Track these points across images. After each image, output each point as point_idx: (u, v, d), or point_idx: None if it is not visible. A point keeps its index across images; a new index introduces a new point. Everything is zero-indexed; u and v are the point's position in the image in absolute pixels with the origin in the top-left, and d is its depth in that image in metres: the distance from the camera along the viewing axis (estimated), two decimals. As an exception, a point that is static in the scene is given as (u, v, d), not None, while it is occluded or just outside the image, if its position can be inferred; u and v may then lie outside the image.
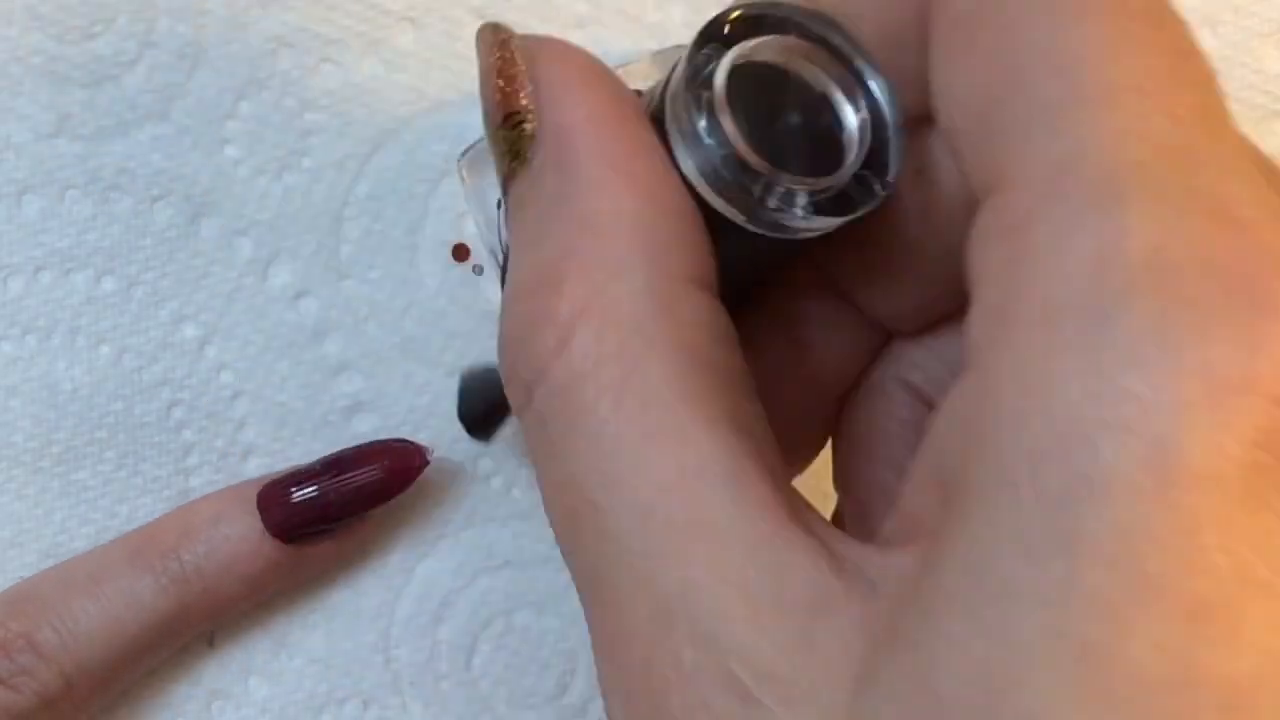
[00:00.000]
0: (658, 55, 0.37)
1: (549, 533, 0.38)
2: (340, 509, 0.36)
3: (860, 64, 0.22)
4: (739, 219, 0.22)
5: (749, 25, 0.22)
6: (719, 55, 0.22)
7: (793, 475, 0.24)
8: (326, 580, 0.38)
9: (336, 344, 0.38)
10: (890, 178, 0.22)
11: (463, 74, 0.38)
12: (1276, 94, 0.39)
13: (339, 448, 0.37)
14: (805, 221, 0.21)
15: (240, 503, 0.36)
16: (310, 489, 0.35)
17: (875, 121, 0.22)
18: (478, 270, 0.38)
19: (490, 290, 0.38)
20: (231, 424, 0.38)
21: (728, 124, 0.21)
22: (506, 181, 0.22)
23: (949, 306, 0.25)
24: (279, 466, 0.37)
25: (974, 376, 0.18)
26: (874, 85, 0.22)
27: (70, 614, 0.34)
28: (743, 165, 0.21)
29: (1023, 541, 0.16)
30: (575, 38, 0.38)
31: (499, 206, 0.36)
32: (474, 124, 0.38)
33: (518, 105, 0.22)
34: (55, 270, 0.38)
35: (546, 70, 0.22)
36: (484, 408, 0.35)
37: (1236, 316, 0.16)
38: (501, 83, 0.23)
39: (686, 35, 0.38)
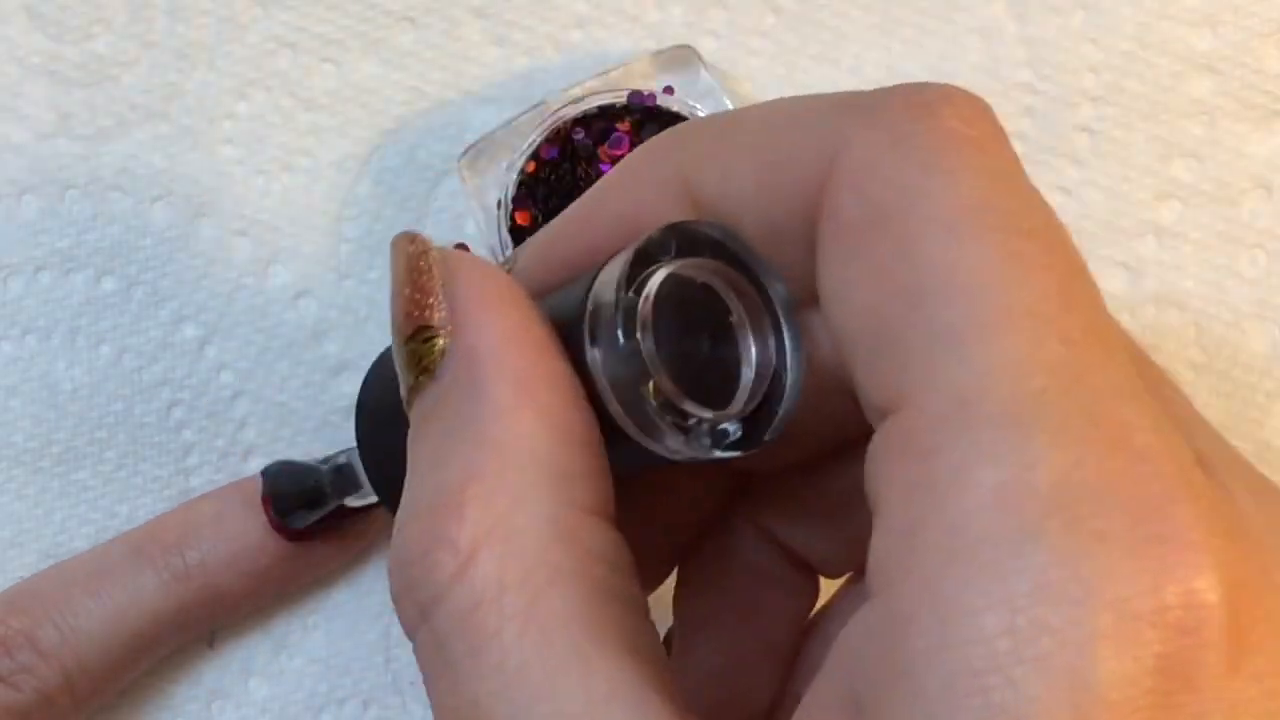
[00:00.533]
0: (658, 55, 0.37)
1: (549, 533, 0.38)
2: (343, 507, 0.36)
3: (778, 306, 0.22)
4: (634, 433, 0.22)
5: (682, 242, 0.22)
6: (645, 270, 0.22)
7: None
8: (327, 580, 0.38)
9: (336, 344, 0.38)
10: (773, 431, 0.22)
11: (463, 74, 0.38)
12: (1276, 94, 0.39)
13: (339, 448, 0.37)
14: (690, 449, 0.21)
15: (243, 500, 0.36)
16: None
17: (777, 368, 0.22)
18: (478, 270, 0.38)
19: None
20: (232, 424, 0.38)
21: (647, 345, 0.21)
22: (410, 395, 0.23)
23: (812, 457, 0.26)
24: (279, 466, 0.37)
25: (883, 605, 0.18)
26: (786, 334, 0.22)
27: (71, 611, 0.34)
28: (650, 387, 0.21)
29: None
30: (575, 38, 0.38)
31: (499, 207, 0.36)
32: (474, 123, 0.38)
33: (430, 320, 0.22)
34: (55, 270, 0.38)
35: (463, 288, 0.22)
36: (297, 500, 0.35)
37: (1142, 547, 0.17)
38: (416, 295, 0.23)
39: (686, 35, 0.38)
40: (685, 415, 0.21)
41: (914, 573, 0.18)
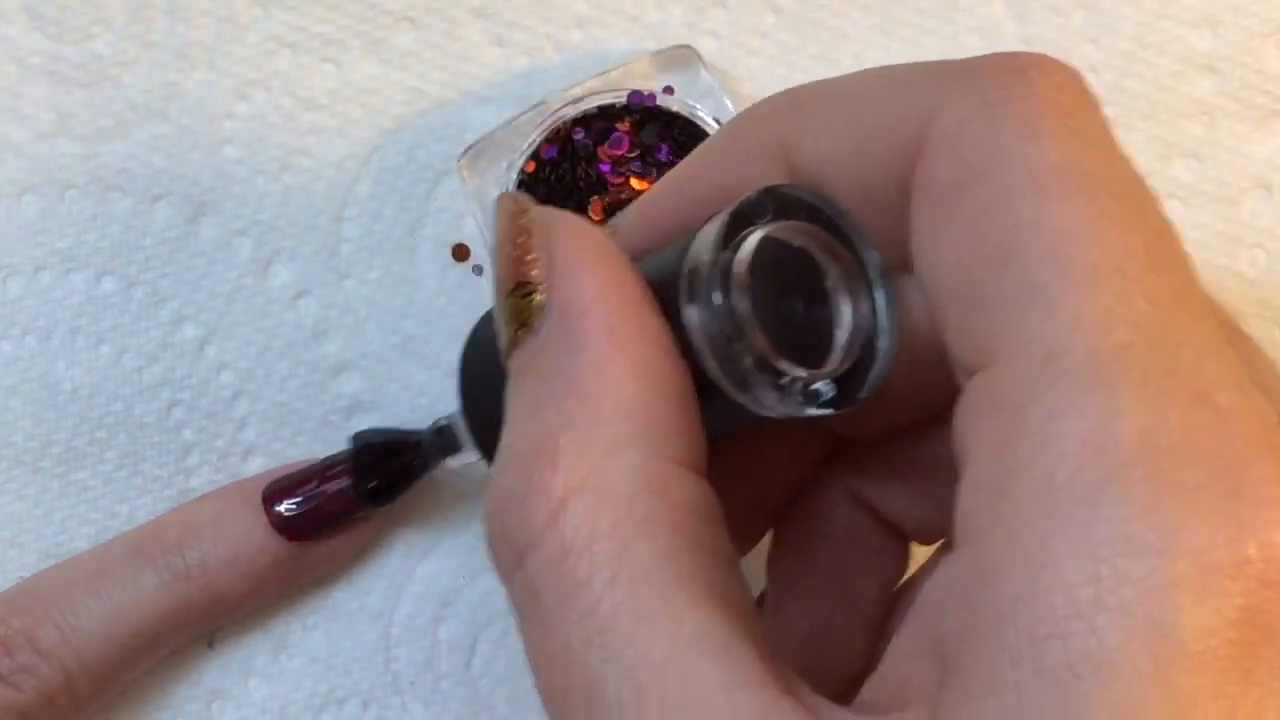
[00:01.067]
0: (658, 55, 0.37)
1: (549, 533, 0.38)
2: (346, 506, 0.36)
3: (872, 270, 0.23)
4: (728, 388, 0.22)
5: (779, 205, 0.22)
6: (741, 232, 0.22)
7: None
8: (326, 580, 0.38)
9: (336, 344, 0.38)
10: (866, 390, 0.22)
11: (462, 74, 0.38)
12: (1276, 94, 0.39)
13: (339, 448, 0.37)
14: (784, 405, 0.22)
15: (243, 500, 0.36)
16: (315, 487, 0.35)
17: (869, 330, 0.23)
18: (478, 270, 0.38)
19: (490, 290, 0.38)
20: (232, 424, 0.38)
21: (743, 303, 0.22)
22: (510, 348, 0.23)
23: (904, 422, 0.26)
24: (280, 466, 0.37)
25: (969, 552, 0.19)
26: (880, 297, 0.23)
27: (71, 611, 0.34)
28: (746, 344, 0.22)
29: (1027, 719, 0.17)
30: (575, 38, 0.38)
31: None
32: (474, 123, 0.38)
33: (529, 276, 0.23)
34: (55, 270, 0.38)
35: (561, 245, 0.23)
36: (383, 473, 0.35)
37: (1223, 502, 0.17)
38: (516, 252, 0.23)
39: (686, 35, 0.38)
40: (779, 373, 0.22)
41: (999, 523, 0.18)
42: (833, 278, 0.23)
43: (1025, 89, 0.20)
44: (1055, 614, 0.17)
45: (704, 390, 0.22)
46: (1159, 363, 0.18)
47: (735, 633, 0.20)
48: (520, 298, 0.23)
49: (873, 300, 0.23)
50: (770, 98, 0.25)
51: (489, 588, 0.38)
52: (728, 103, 0.37)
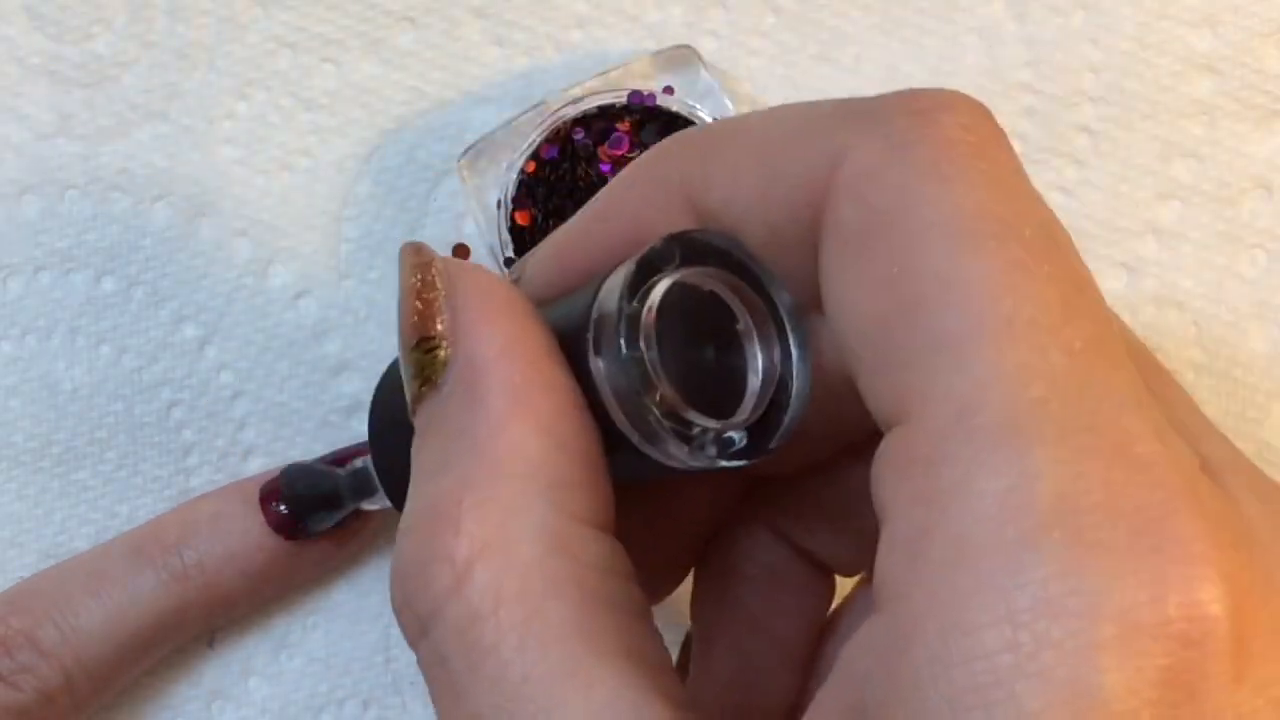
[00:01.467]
0: (658, 55, 0.37)
1: (549, 533, 0.38)
2: (340, 505, 0.35)
3: (784, 314, 0.22)
4: (638, 442, 0.22)
5: (686, 251, 0.22)
6: (649, 280, 0.22)
7: (654, 604, 0.24)
8: (326, 580, 0.38)
9: (336, 344, 0.38)
10: (779, 439, 0.22)
11: (462, 73, 0.38)
12: (1276, 94, 0.39)
13: (339, 447, 0.37)
14: (694, 459, 0.21)
15: (241, 499, 0.36)
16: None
17: (783, 375, 0.22)
18: (478, 270, 0.38)
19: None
20: (232, 424, 0.38)
21: (650, 354, 0.21)
22: (414, 404, 0.23)
23: (822, 457, 0.26)
24: (279, 466, 0.37)
25: (888, 615, 0.19)
26: (792, 341, 0.22)
27: (71, 611, 0.34)
28: (654, 396, 0.21)
29: None
30: (575, 38, 0.38)
31: (499, 207, 0.36)
32: (474, 123, 0.38)
33: (432, 330, 0.23)
34: (55, 270, 0.38)
35: (465, 299, 0.23)
36: (315, 503, 0.35)
37: (1144, 559, 0.17)
38: (419, 305, 0.23)
39: (686, 35, 0.38)
40: (690, 424, 0.21)
41: (917, 587, 0.18)
42: (744, 323, 0.22)
43: (933, 130, 0.20)
44: (975, 683, 0.17)
45: (613, 442, 0.22)
46: (1076, 418, 0.18)
47: (648, 693, 0.20)
48: (424, 353, 0.23)
49: (785, 345, 0.22)
50: (674, 138, 0.24)
51: (489, 588, 0.38)
52: (728, 103, 0.37)
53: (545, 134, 0.36)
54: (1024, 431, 0.18)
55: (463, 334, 0.22)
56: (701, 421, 0.21)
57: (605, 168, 0.36)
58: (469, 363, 0.22)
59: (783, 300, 0.22)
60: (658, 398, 0.21)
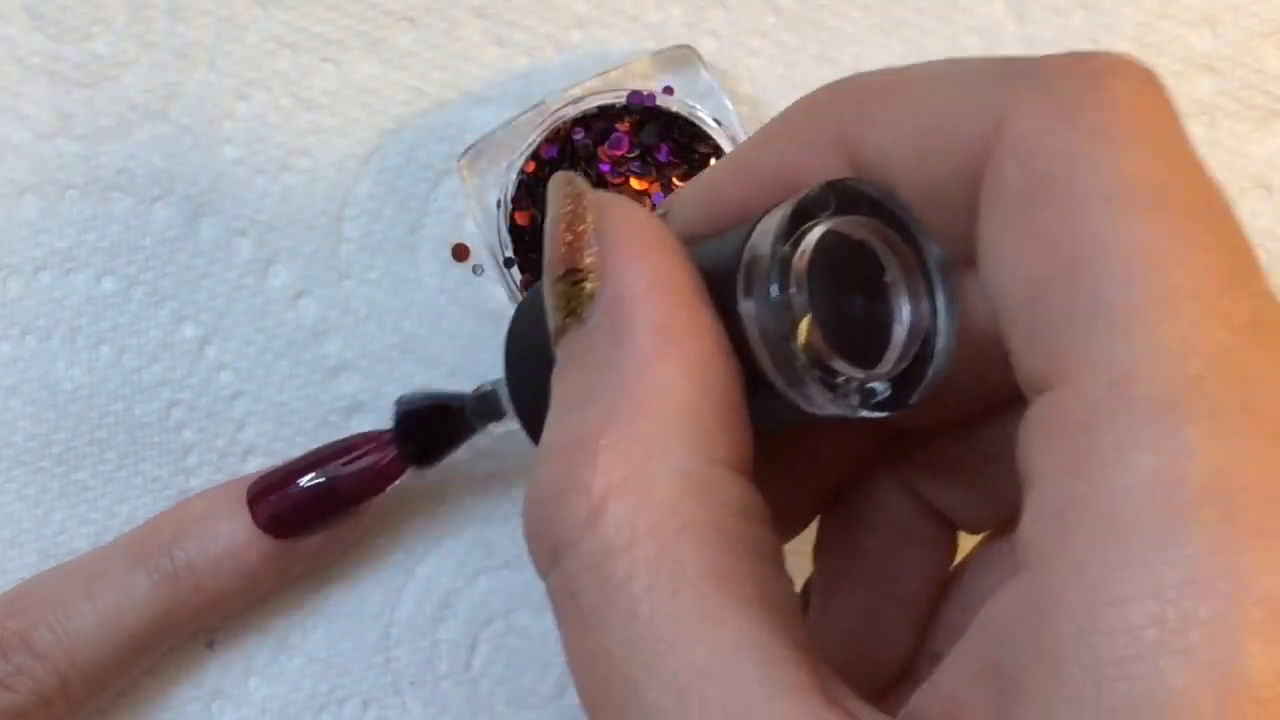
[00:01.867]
0: (657, 55, 0.37)
1: (549, 533, 0.38)
2: (332, 504, 0.35)
3: (934, 268, 0.22)
4: (781, 387, 0.22)
5: (841, 199, 0.22)
6: (802, 225, 0.22)
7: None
8: (326, 580, 0.38)
9: (336, 344, 0.38)
10: (921, 393, 0.22)
11: (462, 74, 0.38)
12: (1276, 94, 0.39)
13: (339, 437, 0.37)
14: (837, 406, 0.21)
15: (231, 500, 0.35)
16: (300, 485, 0.35)
17: (929, 329, 0.22)
18: (478, 270, 0.38)
19: (490, 290, 0.38)
20: (231, 424, 0.38)
21: (801, 300, 0.21)
22: (557, 335, 0.23)
23: (960, 415, 0.25)
24: (269, 466, 0.37)
25: (1032, 579, 0.19)
26: (940, 296, 0.22)
27: (66, 613, 0.34)
28: (802, 342, 0.21)
29: None
30: (575, 38, 0.38)
31: (499, 206, 0.36)
32: (474, 123, 0.38)
33: (580, 262, 0.22)
34: (55, 270, 0.38)
35: (615, 232, 0.22)
36: (427, 437, 0.35)
37: None
38: (569, 237, 0.23)
39: (686, 35, 0.38)
40: (834, 372, 0.21)
41: (1065, 554, 0.18)
42: (893, 274, 0.22)
43: (1101, 94, 0.20)
44: (1119, 655, 0.17)
45: (754, 386, 0.22)
46: (1233, 396, 0.18)
47: (778, 638, 0.20)
48: (570, 284, 0.22)
49: (933, 299, 0.22)
50: (833, 85, 0.24)
51: (488, 588, 0.38)
52: (728, 103, 0.37)
53: (545, 134, 0.36)
54: (1180, 407, 0.18)
55: (611, 268, 0.22)
56: (847, 370, 0.21)
57: (605, 168, 0.36)
58: (616, 298, 0.22)
59: (933, 254, 0.22)
60: (805, 343, 0.21)
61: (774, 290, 0.21)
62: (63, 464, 0.38)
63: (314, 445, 0.38)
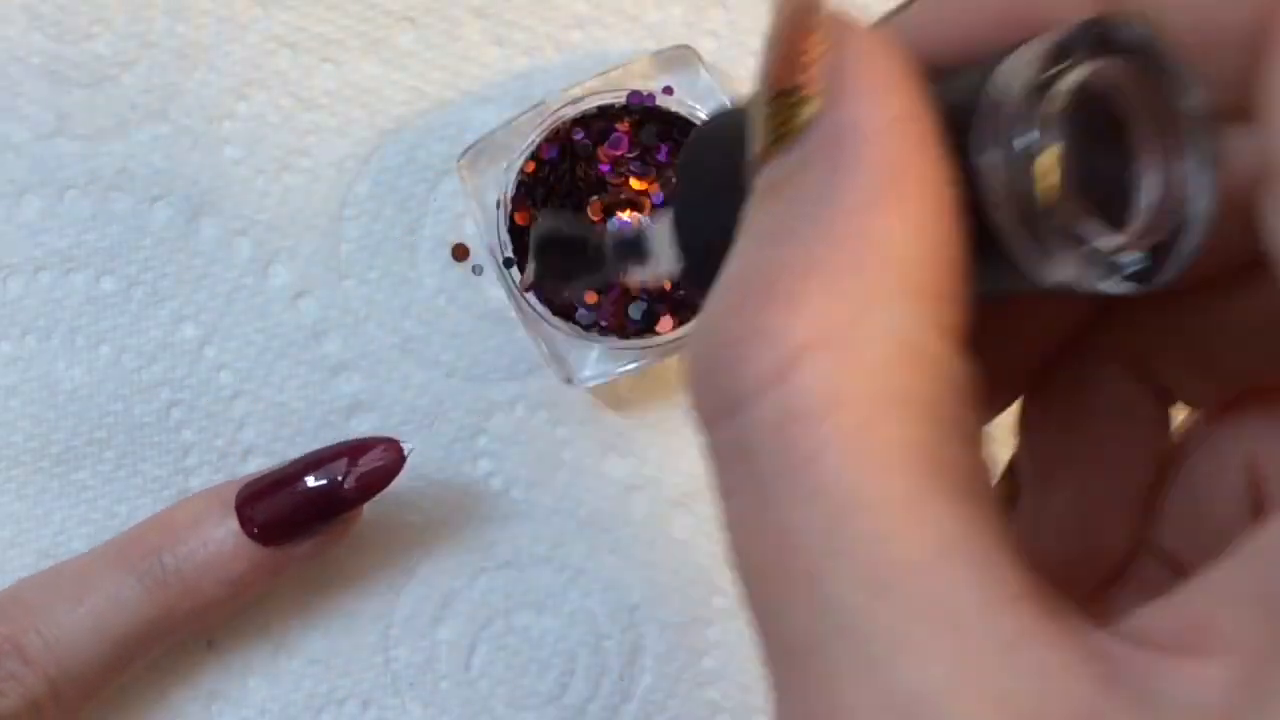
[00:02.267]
0: (657, 55, 0.37)
1: (548, 532, 0.38)
2: (320, 511, 0.35)
3: (1194, 126, 0.19)
4: (1019, 252, 0.19)
5: (1095, 41, 0.19)
6: (1053, 67, 0.19)
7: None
8: (325, 581, 0.38)
9: (335, 344, 0.38)
10: (1172, 269, 0.19)
11: (462, 73, 0.38)
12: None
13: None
14: (1082, 277, 0.19)
15: (220, 505, 0.35)
16: (288, 493, 0.35)
17: (1183, 194, 0.19)
18: (477, 270, 0.38)
19: (490, 290, 0.38)
20: (231, 424, 0.38)
21: (1052, 151, 0.18)
22: (761, 158, 0.20)
23: (1192, 285, 0.22)
24: (262, 470, 0.37)
25: None
26: (1199, 158, 0.19)
27: (55, 619, 0.34)
28: (1046, 200, 0.18)
29: None
30: (575, 38, 0.38)
31: (498, 206, 0.36)
32: (474, 123, 0.38)
33: (804, 81, 0.19)
34: (55, 270, 0.38)
35: (855, 54, 0.19)
36: (570, 261, 0.29)
37: None
38: (793, 50, 0.20)
39: (686, 35, 0.38)
40: (1080, 239, 0.19)
41: None
42: (1145, 131, 0.19)
43: None
44: None
45: (984, 250, 0.19)
46: None
47: (992, 539, 0.17)
48: (789, 104, 0.19)
49: (1192, 160, 0.19)
50: None
51: (488, 588, 0.38)
52: (727, 103, 0.37)
53: (545, 134, 0.36)
54: None
55: (846, 92, 0.19)
56: (1099, 236, 0.19)
57: (604, 168, 0.36)
58: (846, 127, 0.19)
59: (1195, 110, 0.19)
60: (1055, 202, 0.18)
61: (1025, 138, 0.18)
62: (62, 464, 0.38)
63: (314, 445, 0.38)
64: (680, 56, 0.37)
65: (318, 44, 0.38)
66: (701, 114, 0.36)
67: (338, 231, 0.38)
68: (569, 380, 0.37)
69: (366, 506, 0.37)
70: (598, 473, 0.38)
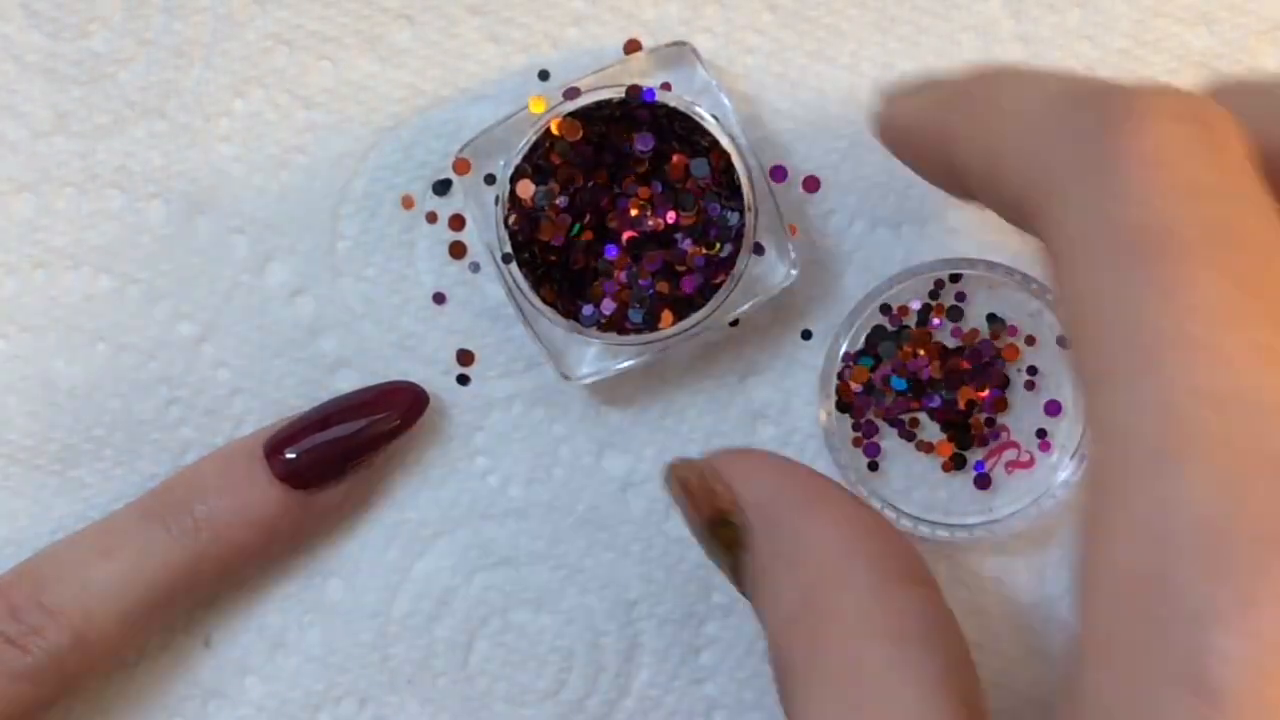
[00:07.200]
0: (654, 52, 0.37)
1: (546, 530, 0.38)
2: (347, 452, 0.36)
3: None
4: None
5: None
6: None
7: None
8: (323, 578, 0.38)
9: (333, 341, 0.38)
10: None
11: (459, 70, 0.38)
12: (1273, 91, 0.39)
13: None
14: None
15: (247, 454, 0.36)
16: (316, 435, 0.36)
17: None
18: (474, 268, 0.38)
19: (488, 288, 0.38)
20: (229, 421, 0.38)
21: None
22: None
23: None
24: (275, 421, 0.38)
25: None
26: None
27: (82, 570, 0.35)
28: None
29: None
30: (571, 35, 0.38)
31: (495, 203, 0.36)
32: (471, 120, 0.38)
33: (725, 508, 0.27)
34: (52, 268, 0.38)
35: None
36: None
37: None
38: (706, 493, 0.27)
39: (682, 32, 0.38)
40: None
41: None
42: None
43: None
44: None
45: None
46: None
47: None
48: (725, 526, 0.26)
49: None
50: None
51: (486, 585, 0.38)
52: (725, 100, 0.37)
53: (542, 130, 0.36)
54: None
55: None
56: None
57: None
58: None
59: None
60: None
61: None
62: (60, 462, 0.38)
63: (311, 442, 0.38)
64: (676, 53, 0.37)
65: (315, 41, 0.38)
66: (700, 110, 0.36)
67: (335, 229, 0.38)
68: (567, 376, 0.37)
69: (367, 506, 0.38)
70: (595, 470, 0.38)
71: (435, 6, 0.38)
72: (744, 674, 0.38)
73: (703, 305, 0.36)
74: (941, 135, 0.23)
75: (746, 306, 0.37)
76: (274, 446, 0.36)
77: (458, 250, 0.38)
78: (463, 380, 0.38)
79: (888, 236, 0.38)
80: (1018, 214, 0.21)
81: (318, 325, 0.38)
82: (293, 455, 0.36)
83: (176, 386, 0.38)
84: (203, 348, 0.38)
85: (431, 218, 0.38)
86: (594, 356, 0.37)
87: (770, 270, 0.37)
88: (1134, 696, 0.16)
